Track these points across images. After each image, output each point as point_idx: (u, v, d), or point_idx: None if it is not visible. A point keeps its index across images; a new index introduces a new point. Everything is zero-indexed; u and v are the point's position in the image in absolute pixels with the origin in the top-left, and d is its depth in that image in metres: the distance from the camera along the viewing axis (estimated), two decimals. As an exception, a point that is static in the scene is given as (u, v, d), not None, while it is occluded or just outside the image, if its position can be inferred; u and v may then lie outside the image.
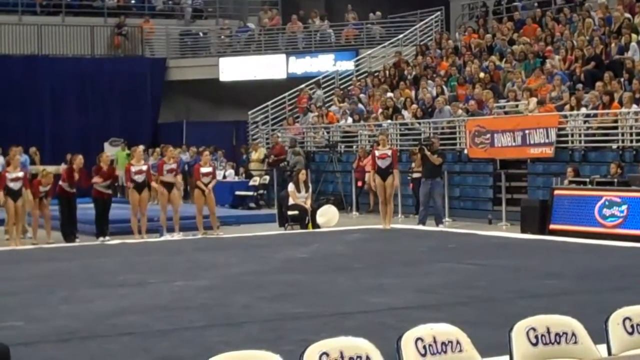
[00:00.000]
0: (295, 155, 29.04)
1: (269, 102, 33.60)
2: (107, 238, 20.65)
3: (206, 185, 21.45)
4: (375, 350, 5.38)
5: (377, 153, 21.92)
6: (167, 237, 21.17)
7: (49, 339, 9.90)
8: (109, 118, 34.02)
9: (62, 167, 21.78)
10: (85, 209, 21.41)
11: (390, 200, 21.99)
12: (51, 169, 21.98)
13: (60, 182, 20.73)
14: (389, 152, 21.92)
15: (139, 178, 21.02)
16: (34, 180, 20.92)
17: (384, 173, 21.65)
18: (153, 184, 21.46)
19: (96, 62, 35.74)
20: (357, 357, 5.35)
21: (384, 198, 21.73)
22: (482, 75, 27.96)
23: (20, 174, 20.50)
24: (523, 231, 20.34)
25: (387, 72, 32.46)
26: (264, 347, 5.39)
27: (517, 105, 24.92)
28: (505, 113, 25.00)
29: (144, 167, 21.44)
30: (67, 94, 33.94)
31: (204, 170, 21.82)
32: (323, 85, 33.71)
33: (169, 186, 21.41)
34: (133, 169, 21.13)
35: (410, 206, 25.00)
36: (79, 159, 21.03)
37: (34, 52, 34.75)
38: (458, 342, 5.67)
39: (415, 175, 24.16)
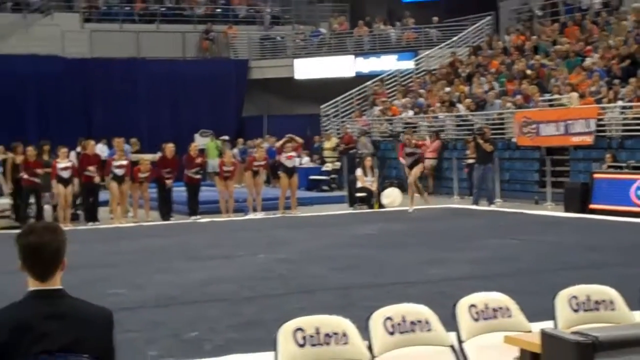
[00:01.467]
0: (363, 145, 29.01)
1: (338, 98, 33.61)
2: (198, 217, 20.85)
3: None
4: (434, 315, 5.37)
5: (407, 150, 22.59)
6: (250, 216, 21.31)
7: (148, 304, 10.02)
8: (198, 113, 34.18)
9: (158, 156, 21.95)
10: (179, 191, 21.57)
11: (412, 185, 22.31)
12: (148, 157, 22.15)
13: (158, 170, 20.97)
14: (417, 150, 22.80)
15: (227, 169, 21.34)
16: (134, 167, 21.15)
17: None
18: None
19: (187, 64, 35.98)
20: (418, 321, 5.35)
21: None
22: (528, 72, 27.81)
23: (125, 162, 20.82)
24: (566, 210, 20.27)
25: (443, 70, 32.44)
26: (335, 313, 5.39)
27: (560, 99, 24.72)
28: (550, 106, 24.79)
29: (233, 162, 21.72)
30: (162, 92, 34.18)
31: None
32: (386, 83, 33.74)
33: (255, 172, 21.58)
34: (225, 168, 21.39)
35: (465, 188, 24.89)
36: (169, 148, 21.25)
37: (132, 55, 35.07)
38: (507, 309, 5.65)
39: (470, 161, 24.13)
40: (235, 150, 29.36)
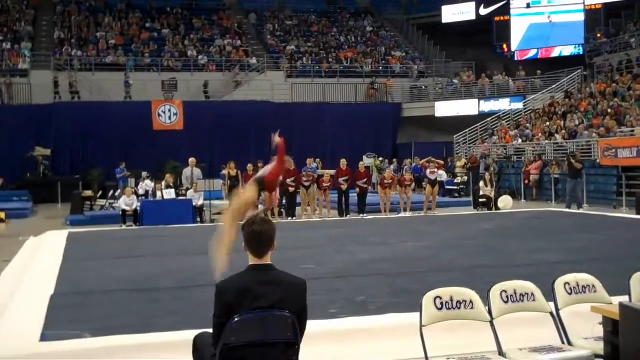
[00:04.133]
0: (486, 165, 28.55)
1: (466, 129, 33.24)
2: (365, 215, 20.92)
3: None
4: (538, 290, 5.27)
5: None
6: (402, 214, 21.24)
7: (329, 275, 10.10)
8: (365, 140, 34.37)
9: (334, 171, 22.12)
10: (352, 196, 21.67)
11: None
12: (329, 172, 22.38)
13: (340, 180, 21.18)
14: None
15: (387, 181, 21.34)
16: (320, 178, 21.39)
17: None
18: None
19: (358, 106, 36.23)
20: (526, 294, 5.27)
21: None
22: (609, 110, 26.90)
23: (311, 175, 21.15)
24: (637, 213, 19.38)
25: (545, 109, 31.60)
26: (464, 286, 5.33)
27: (633, 131, 23.81)
28: (625, 135, 23.97)
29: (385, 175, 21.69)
30: (340, 126, 34.51)
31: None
32: (502, 118, 33.15)
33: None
34: (386, 181, 21.40)
35: (560, 196, 24.25)
36: (343, 162, 21.48)
37: (320, 100, 35.59)
38: (593, 286, 5.51)
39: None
40: (392, 167, 29.34)
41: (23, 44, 35.12)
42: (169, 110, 30.39)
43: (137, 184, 23.52)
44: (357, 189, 21.28)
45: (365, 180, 21.51)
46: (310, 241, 14.70)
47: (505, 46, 39.68)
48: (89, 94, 32.84)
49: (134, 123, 30.32)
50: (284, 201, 21.52)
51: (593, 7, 37.02)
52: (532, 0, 38.12)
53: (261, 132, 32.63)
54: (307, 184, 20.92)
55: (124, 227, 19.42)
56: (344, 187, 21.07)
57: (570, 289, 5.40)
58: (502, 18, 39.29)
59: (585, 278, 5.53)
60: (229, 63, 36.47)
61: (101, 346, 6.50)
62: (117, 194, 23.51)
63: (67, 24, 37.78)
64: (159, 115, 30.33)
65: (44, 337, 6.81)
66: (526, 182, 26.53)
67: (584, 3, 36.98)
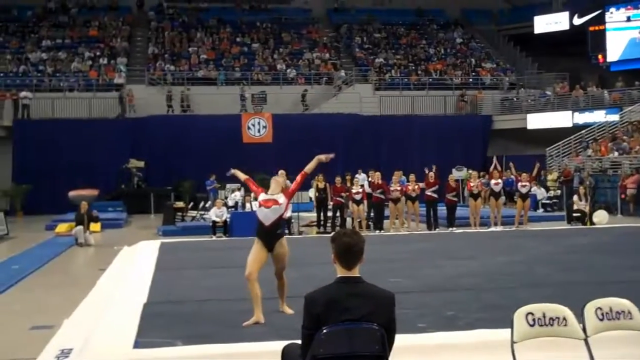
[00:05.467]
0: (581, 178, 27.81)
1: (559, 142, 32.47)
2: (454, 228, 20.68)
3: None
4: (635, 308, 5.10)
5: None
6: (492, 228, 20.90)
7: (418, 289, 10.04)
8: (454, 153, 33.91)
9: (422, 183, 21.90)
10: (441, 210, 21.48)
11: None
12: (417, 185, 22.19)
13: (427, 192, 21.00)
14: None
15: (475, 189, 21.02)
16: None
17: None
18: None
19: (447, 119, 35.87)
20: (622, 312, 5.10)
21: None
22: None
23: (398, 188, 21.01)
24: None
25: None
26: (556, 302, 5.21)
27: None
28: None
29: (478, 184, 21.40)
30: (429, 138, 34.22)
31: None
32: (597, 131, 32.21)
33: (496, 195, 21.20)
34: (473, 191, 21.10)
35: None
36: (431, 174, 21.18)
37: (409, 113, 35.43)
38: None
39: None
40: (482, 180, 28.90)
41: (119, 59, 36.36)
42: (258, 123, 30.82)
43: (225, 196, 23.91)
44: (447, 202, 21.07)
45: (454, 193, 21.28)
46: (399, 254, 14.63)
47: (600, 56, 38.60)
48: (180, 108, 33.73)
49: (224, 136, 30.89)
50: (371, 214, 21.49)
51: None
52: (634, 13, 36.96)
53: (349, 144, 32.83)
54: (393, 196, 20.84)
55: (214, 237, 19.81)
56: (434, 195, 20.82)
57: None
58: (596, 28, 38.24)
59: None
60: (317, 76, 36.76)
61: (192, 354, 6.65)
62: (207, 205, 24.01)
63: (160, 40, 38.91)
64: (249, 128, 30.78)
65: (137, 344, 7.02)
66: (623, 196, 25.76)
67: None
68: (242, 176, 8.78)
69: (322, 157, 8.29)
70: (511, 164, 23.70)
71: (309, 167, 8.21)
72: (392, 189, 20.90)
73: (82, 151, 30.95)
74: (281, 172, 22.55)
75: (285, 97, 34.67)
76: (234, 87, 35.00)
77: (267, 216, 8.04)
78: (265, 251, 8.05)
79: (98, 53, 36.88)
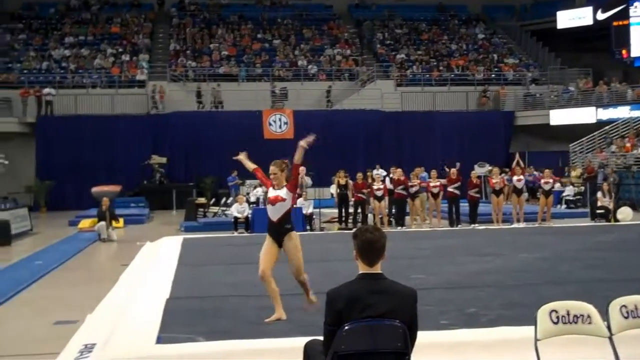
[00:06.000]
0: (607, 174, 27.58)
1: (583, 138, 32.21)
2: (476, 225, 20.59)
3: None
4: (660, 305, 5.04)
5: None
6: (515, 225, 20.78)
7: (440, 286, 10.01)
8: (476, 149, 33.69)
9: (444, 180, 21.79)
10: (463, 206, 21.38)
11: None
12: (440, 181, 22.06)
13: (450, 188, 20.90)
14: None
15: (497, 186, 20.89)
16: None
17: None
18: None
19: (469, 115, 35.69)
20: (646, 309, 5.04)
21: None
22: None
23: (416, 182, 20.94)
24: None
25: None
26: (579, 299, 5.17)
27: None
28: None
29: (499, 180, 21.28)
30: (451, 134, 34.07)
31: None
32: (621, 127, 31.90)
33: (519, 191, 21.03)
34: (496, 187, 20.96)
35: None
36: (453, 171, 20.99)
37: (430, 109, 35.29)
38: None
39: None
40: (505, 177, 28.72)
41: (141, 55, 36.55)
42: (280, 119, 30.88)
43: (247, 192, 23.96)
44: (469, 198, 20.97)
45: (477, 189, 21.17)
46: (420, 251, 14.59)
47: (624, 51, 38.21)
48: (211, 104, 33.82)
49: (245, 132, 30.95)
50: (393, 210, 21.45)
51: None
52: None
53: (370, 141, 32.79)
54: (412, 191, 20.78)
55: (235, 234, 19.88)
56: (457, 191, 20.68)
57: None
58: (620, 23, 37.86)
59: None
60: (339, 72, 36.73)
61: (214, 350, 6.67)
62: (229, 201, 24.08)
63: (182, 36, 39.05)
64: (270, 124, 30.87)
65: (159, 340, 7.05)
66: (648, 193, 25.52)
67: None
68: (249, 165, 8.61)
69: (303, 142, 8.16)
70: (520, 161, 23.30)
71: (297, 157, 8.10)
72: (410, 184, 20.83)
73: (105, 147, 31.19)
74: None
75: (307, 94, 34.67)
76: (255, 83, 35.05)
77: (273, 212, 8.04)
78: (275, 247, 8.05)
79: (120, 50, 37.09)
